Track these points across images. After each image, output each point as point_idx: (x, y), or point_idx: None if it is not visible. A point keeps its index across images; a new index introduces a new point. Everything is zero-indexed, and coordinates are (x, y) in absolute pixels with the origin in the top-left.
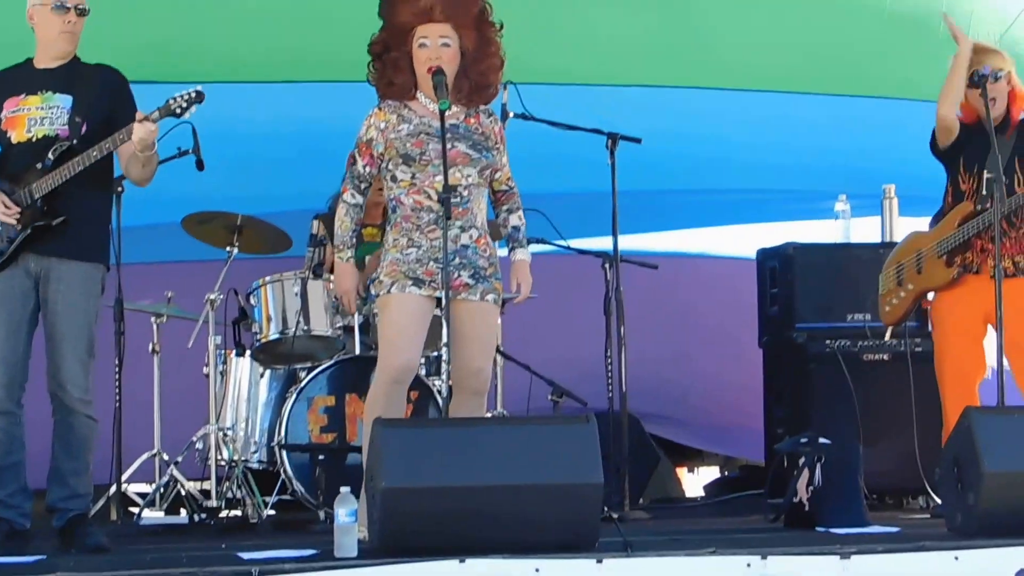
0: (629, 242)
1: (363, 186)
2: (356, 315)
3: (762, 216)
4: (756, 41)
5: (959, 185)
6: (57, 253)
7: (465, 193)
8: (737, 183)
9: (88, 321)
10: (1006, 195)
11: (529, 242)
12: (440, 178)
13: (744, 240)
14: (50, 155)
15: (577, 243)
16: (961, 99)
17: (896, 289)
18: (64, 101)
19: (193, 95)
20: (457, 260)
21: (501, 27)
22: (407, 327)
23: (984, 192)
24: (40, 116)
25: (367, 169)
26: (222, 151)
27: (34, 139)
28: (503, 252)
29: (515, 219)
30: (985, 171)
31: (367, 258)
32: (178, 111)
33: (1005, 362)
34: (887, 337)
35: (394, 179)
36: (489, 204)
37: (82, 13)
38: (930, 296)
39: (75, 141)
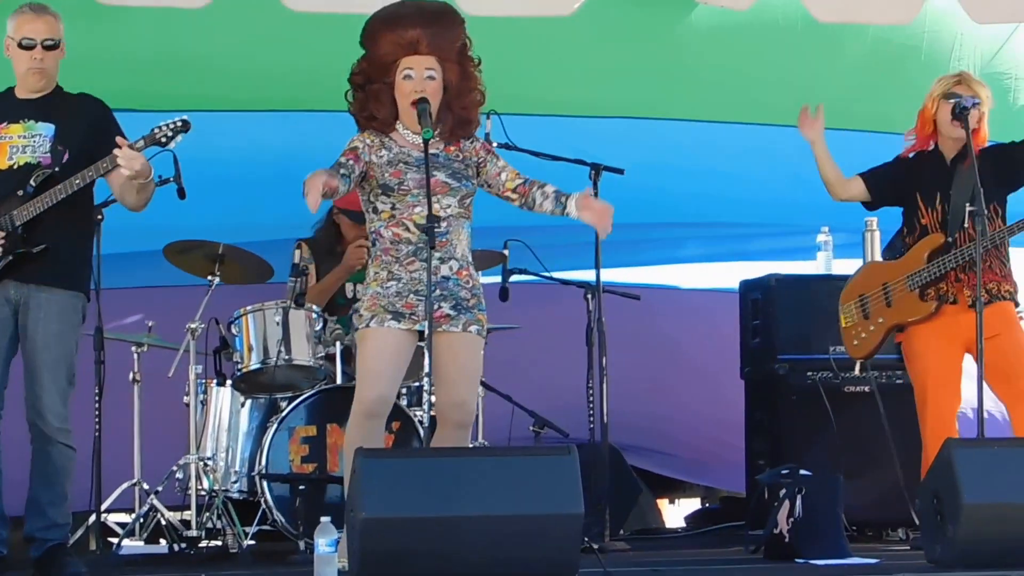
0: (611, 275)
1: (342, 172)
2: (336, 343)
3: (744, 253)
4: (739, 74)
5: (919, 219)
6: (37, 281)
7: (444, 224)
8: (719, 216)
9: (68, 350)
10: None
11: (511, 272)
12: (419, 209)
13: (726, 272)
14: (32, 182)
15: (559, 275)
16: (841, 179)
17: (864, 323)
18: (47, 130)
19: (179, 124)
20: (438, 292)
21: (479, 62)
22: (383, 361)
23: (965, 224)
24: (22, 144)
25: (349, 162)
26: (204, 179)
27: (15, 167)
28: (484, 281)
29: (549, 188)
30: (967, 204)
31: (346, 286)
32: (163, 140)
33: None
34: (857, 371)
35: (375, 211)
36: (472, 236)
37: (51, 48)
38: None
39: (57, 169)
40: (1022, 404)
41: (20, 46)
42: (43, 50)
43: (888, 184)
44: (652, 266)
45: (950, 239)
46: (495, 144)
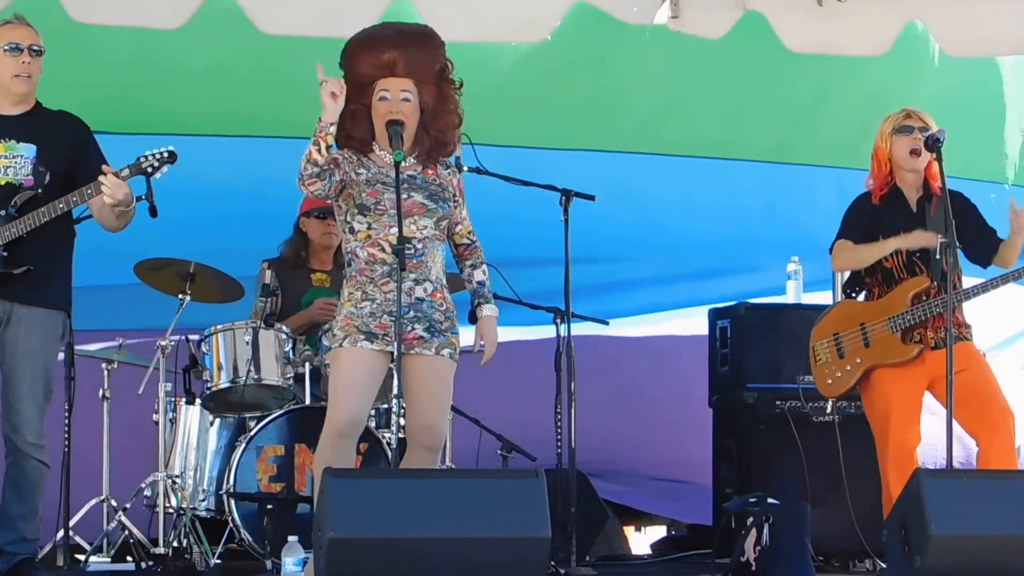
0: (580, 331)
1: (325, 168)
2: (305, 364)
3: (712, 290)
4: (710, 108)
5: (881, 263)
6: (20, 299)
7: (420, 245)
8: (688, 252)
9: (47, 366)
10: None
11: None
12: (394, 230)
13: (693, 315)
14: (13, 203)
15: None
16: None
17: (839, 362)
18: (28, 150)
19: (165, 155)
20: (411, 313)
21: (461, 85)
22: (356, 382)
23: (938, 257)
24: (3, 165)
25: (330, 166)
26: (176, 204)
27: None
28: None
29: (479, 274)
30: (939, 237)
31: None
32: (149, 170)
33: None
34: (829, 408)
35: (352, 231)
36: (449, 256)
37: (37, 53)
38: None
39: (40, 191)
40: (988, 432)
41: (6, 52)
42: (30, 55)
43: (865, 233)
44: (623, 318)
45: (935, 282)
46: (466, 168)
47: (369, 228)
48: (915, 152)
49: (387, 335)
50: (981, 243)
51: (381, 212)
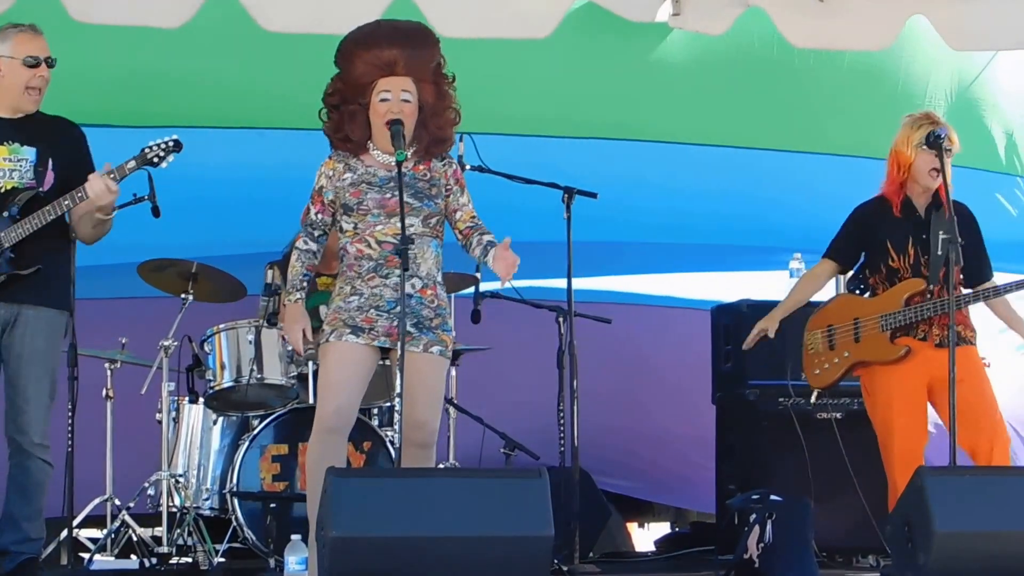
0: (583, 284)
1: (316, 233)
2: (308, 362)
3: (717, 266)
4: (714, 97)
5: (887, 263)
6: (27, 300)
7: None
8: (692, 237)
9: (52, 366)
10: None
11: (483, 296)
12: (380, 227)
13: (699, 289)
14: (15, 204)
15: (531, 283)
16: (807, 289)
17: (828, 354)
18: (29, 153)
19: (171, 144)
20: (398, 309)
21: (453, 79)
22: (340, 375)
23: (940, 253)
24: (8, 168)
25: (319, 216)
26: (177, 194)
27: (1, 190)
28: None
29: (487, 236)
30: (941, 233)
31: (321, 307)
32: (155, 160)
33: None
34: (813, 399)
35: (342, 230)
36: (447, 256)
37: (51, 65)
38: None
39: (42, 191)
40: (982, 448)
41: (25, 64)
42: (47, 67)
43: (856, 250)
44: (625, 275)
45: (932, 285)
46: (468, 167)
47: (355, 227)
48: (935, 171)
49: (373, 329)
50: (974, 264)
51: (364, 212)
